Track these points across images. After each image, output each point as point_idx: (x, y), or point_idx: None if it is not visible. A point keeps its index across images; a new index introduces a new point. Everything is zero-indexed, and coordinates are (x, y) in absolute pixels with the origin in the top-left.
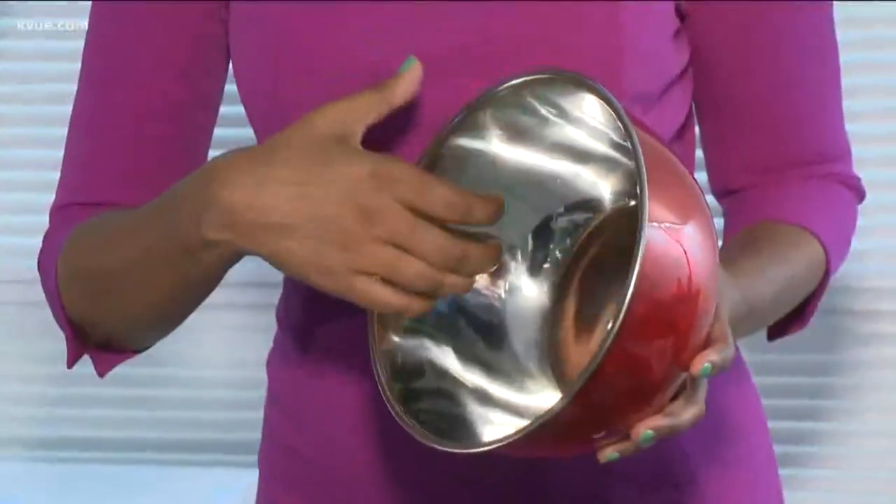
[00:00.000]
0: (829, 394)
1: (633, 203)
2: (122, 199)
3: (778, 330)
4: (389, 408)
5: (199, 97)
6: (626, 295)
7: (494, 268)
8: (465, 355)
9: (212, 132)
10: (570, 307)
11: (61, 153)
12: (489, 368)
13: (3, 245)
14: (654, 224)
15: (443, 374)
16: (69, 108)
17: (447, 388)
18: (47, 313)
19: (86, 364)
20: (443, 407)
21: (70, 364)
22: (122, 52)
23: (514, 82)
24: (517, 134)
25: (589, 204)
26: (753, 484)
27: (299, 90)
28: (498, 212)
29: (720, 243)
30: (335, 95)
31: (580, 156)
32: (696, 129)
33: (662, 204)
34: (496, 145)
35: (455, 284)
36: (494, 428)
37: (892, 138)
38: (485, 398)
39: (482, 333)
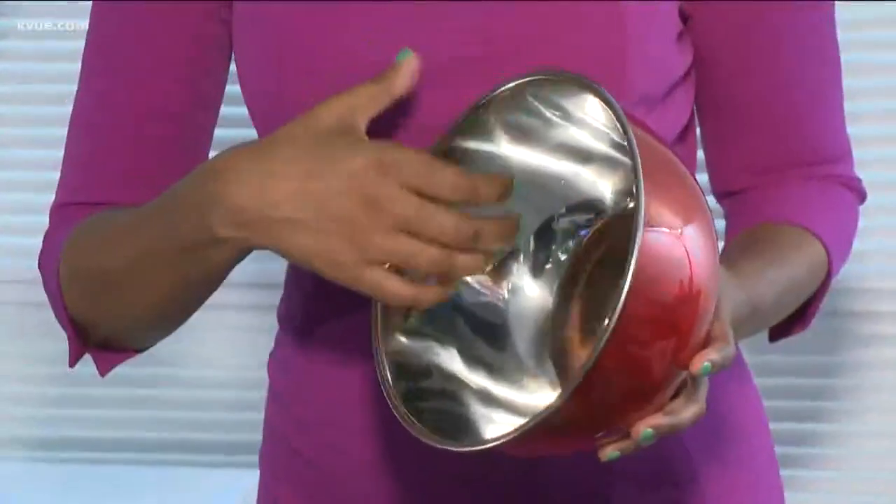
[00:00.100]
0: (830, 395)
1: (633, 204)
2: (122, 198)
3: (779, 331)
4: (391, 406)
5: (199, 97)
6: (621, 292)
7: (509, 247)
8: (469, 356)
9: (213, 132)
10: (574, 308)
11: (61, 153)
12: (492, 369)
13: (3, 245)
14: (655, 225)
15: (447, 374)
16: (69, 109)
17: (451, 389)
18: (47, 313)
19: (86, 364)
20: (446, 406)
21: (72, 363)
22: (122, 52)
23: (516, 83)
24: (520, 135)
25: (590, 204)
26: (755, 485)
27: (302, 90)
28: (505, 190)
29: (721, 245)
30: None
31: (583, 157)
32: (698, 130)
33: (663, 205)
34: (499, 146)
35: (467, 265)
36: (497, 427)
37: (893, 139)
38: (488, 398)
39: (485, 334)
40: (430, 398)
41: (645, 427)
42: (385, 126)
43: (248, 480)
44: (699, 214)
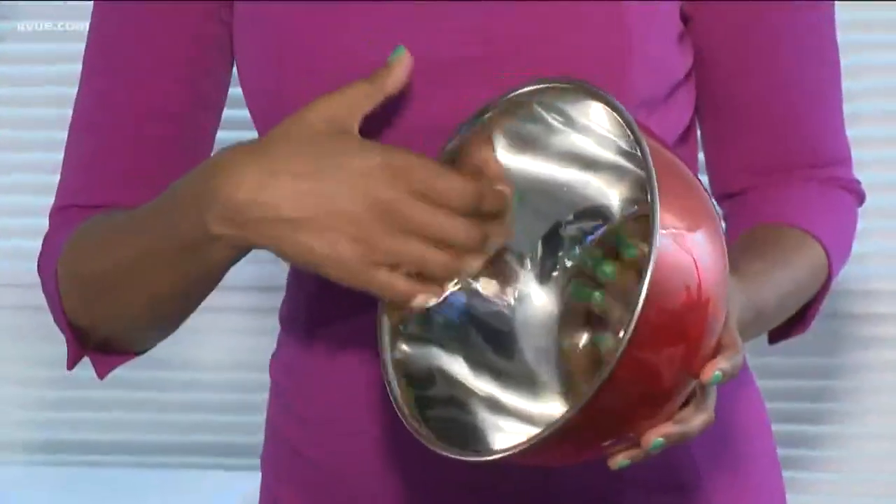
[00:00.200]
0: (830, 397)
1: (640, 210)
2: (123, 199)
3: (779, 333)
4: (399, 415)
5: (199, 97)
6: (637, 303)
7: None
8: (476, 363)
9: (214, 134)
10: (580, 314)
11: (59, 155)
12: (499, 376)
13: (4, 248)
14: (664, 232)
15: (453, 382)
16: (68, 111)
17: (458, 396)
18: (45, 317)
19: (85, 367)
20: (453, 414)
21: (70, 366)
22: (121, 52)
23: (521, 91)
24: (524, 142)
25: (598, 211)
26: (758, 487)
27: (302, 90)
28: (508, 201)
29: None
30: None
31: (588, 163)
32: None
33: (671, 211)
34: (503, 154)
35: (472, 267)
36: (505, 435)
37: (891, 141)
38: (495, 406)
39: (492, 342)
40: (436, 406)
41: (655, 436)
42: (384, 125)
43: (249, 482)
44: (707, 220)
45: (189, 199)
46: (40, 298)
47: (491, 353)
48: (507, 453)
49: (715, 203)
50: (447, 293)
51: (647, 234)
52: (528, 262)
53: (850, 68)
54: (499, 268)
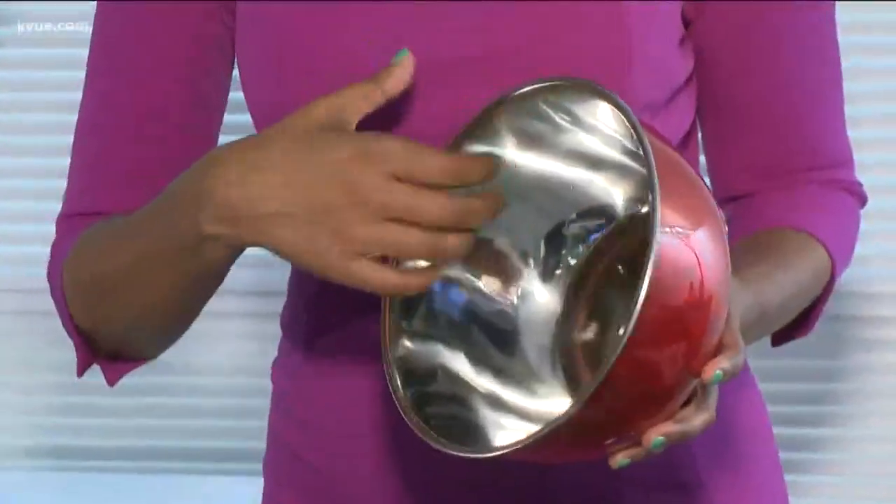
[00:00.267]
0: (832, 399)
1: (645, 210)
2: (126, 205)
3: (782, 336)
4: (401, 412)
5: (200, 98)
6: (637, 300)
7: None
8: (478, 360)
9: (216, 137)
10: (583, 312)
11: (60, 159)
12: (501, 373)
13: (7, 254)
14: (666, 230)
15: (455, 378)
16: (68, 114)
17: (459, 393)
18: (49, 322)
19: (90, 373)
20: (454, 411)
21: (80, 372)
22: (123, 54)
23: (527, 89)
24: (530, 140)
25: (602, 210)
26: (759, 488)
27: (302, 90)
28: (490, 169)
29: None
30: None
31: (593, 163)
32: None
33: (674, 210)
34: (508, 151)
35: (457, 245)
36: (506, 433)
37: (893, 143)
38: (497, 403)
39: (494, 339)
40: (437, 403)
41: (656, 435)
42: (385, 125)
43: (252, 487)
44: (710, 219)
45: (183, 198)
46: (45, 303)
47: (493, 350)
48: (507, 450)
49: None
50: (434, 279)
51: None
52: (531, 261)
53: (850, 70)
54: (502, 266)
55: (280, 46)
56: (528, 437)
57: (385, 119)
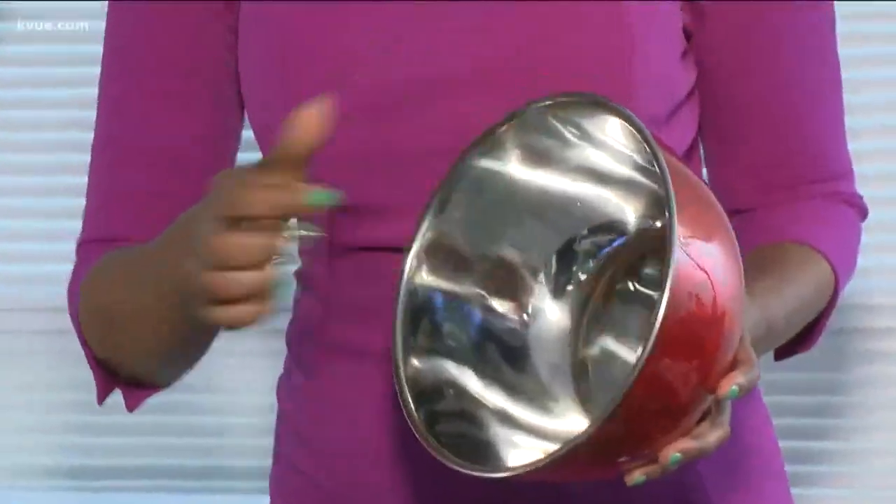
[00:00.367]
0: (835, 412)
1: (656, 224)
2: (144, 231)
3: (785, 350)
4: (415, 432)
5: (216, 119)
6: (656, 318)
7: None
8: (487, 376)
9: (234, 158)
10: (594, 328)
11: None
12: (512, 391)
13: (24, 273)
14: (683, 248)
15: (463, 394)
16: (68, 115)
17: (468, 409)
18: (68, 341)
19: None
20: (463, 429)
21: (100, 400)
22: (135, 75)
23: (538, 105)
24: (538, 156)
25: (613, 226)
26: (766, 502)
27: (302, 91)
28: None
29: None
30: (339, 96)
31: (603, 178)
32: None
33: (687, 225)
34: (516, 167)
35: (270, 277)
36: (519, 451)
37: (893, 155)
38: (507, 420)
39: (506, 357)
40: (445, 420)
41: (673, 451)
42: (388, 125)
43: None
44: (722, 234)
45: (176, 244)
46: (63, 322)
47: (505, 367)
48: (525, 469)
49: None
50: (262, 311)
51: (663, 249)
52: (541, 277)
53: (850, 82)
54: (512, 283)
55: (280, 46)
56: (547, 457)
57: (389, 119)
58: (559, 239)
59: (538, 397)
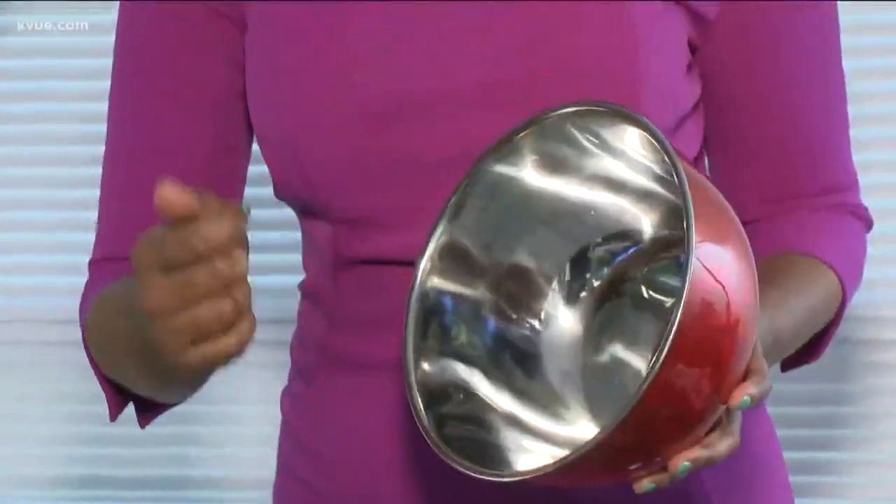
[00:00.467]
0: (841, 423)
1: (672, 234)
2: None
3: (792, 361)
4: (426, 437)
5: (225, 138)
6: (671, 326)
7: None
8: (497, 380)
9: (244, 178)
10: (605, 335)
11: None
12: (523, 395)
13: (33, 285)
14: (699, 256)
15: (471, 396)
16: (67, 128)
17: (476, 412)
18: (80, 352)
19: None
20: (469, 432)
21: (112, 418)
22: (145, 96)
23: (557, 112)
24: (555, 163)
25: (628, 235)
26: None
27: (299, 91)
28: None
29: None
30: (339, 97)
31: (619, 187)
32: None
33: (703, 234)
34: (532, 174)
35: (244, 297)
36: (530, 456)
37: None
38: (517, 424)
39: (518, 362)
40: (452, 423)
41: (683, 460)
42: (391, 135)
43: None
44: (737, 243)
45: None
46: (73, 334)
47: (517, 373)
48: (535, 474)
49: None
50: (230, 347)
51: (678, 257)
52: (555, 284)
53: (854, 94)
54: (526, 290)
55: (281, 47)
56: (558, 462)
57: (389, 133)
58: (573, 246)
59: (549, 403)
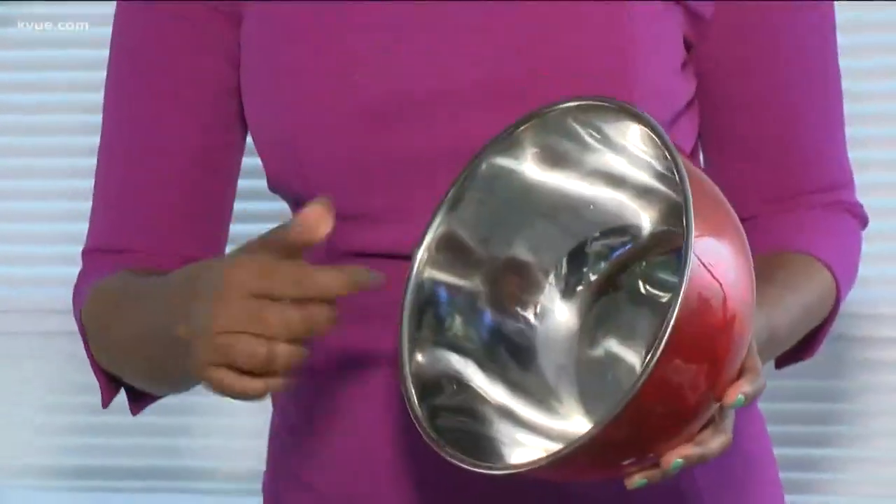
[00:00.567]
0: (835, 419)
1: (671, 230)
2: (146, 245)
3: (787, 358)
4: (417, 426)
5: (219, 135)
6: (668, 322)
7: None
8: (491, 372)
9: (236, 176)
10: (600, 329)
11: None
12: (517, 388)
13: (27, 275)
14: (698, 254)
15: (465, 387)
16: (68, 118)
17: (469, 404)
18: (74, 342)
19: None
20: (462, 424)
21: (105, 404)
22: (140, 94)
23: (560, 107)
24: (556, 158)
25: (626, 230)
26: None
27: (298, 92)
28: (345, 284)
29: None
30: (339, 96)
31: (619, 183)
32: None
33: (700, 230)
34: (531, 167)
35: (289, 353)
36: (524, 450)
37: (894, 165)
38: (511, 417)
39: (513, 355)
40: (445, 415)
41: (676, 457)
42: (390, 132)
43: None
44: (735, 239)
45: (167, 302)
46: (68, 324)
47: (512, 366)
48: (528, 467)
49: None
50: (273, 385)
51: (676, 253)
52: (552, 278)
53: (853, 92)
54: (524, 283)
55: (280, 47)
56: (550, 455)
57: (388, 130)
58: (571, 240)
59: (544, 397)
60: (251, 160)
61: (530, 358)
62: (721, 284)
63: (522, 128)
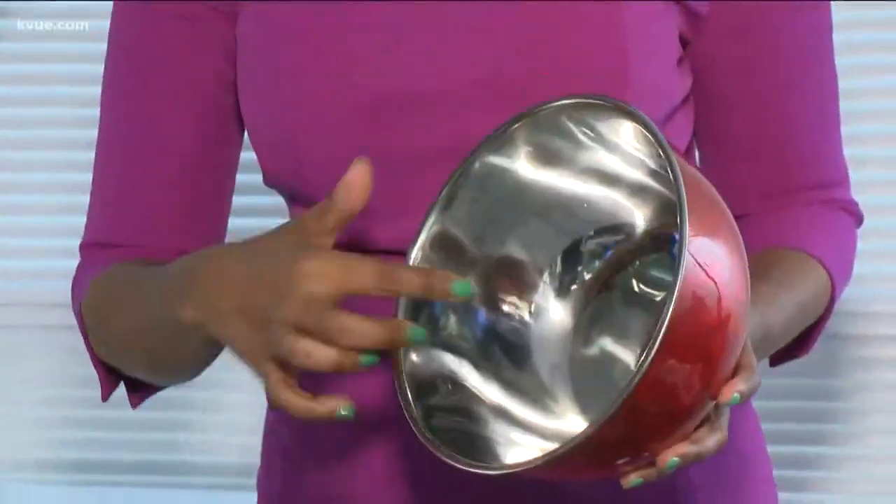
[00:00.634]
0: (831, 417)
1: (665, 228)
2: (144, 239)
3: (781, 356)
4: (413, 426)
5: (218, 131)
6: (662, 322)
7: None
8: (486, 371)
9: (234, 171)
10: (594, 328)
11: (76, 157)
12: (511, 387)
13: (27, 268)
14: (692, 253)
15: (460, 387)
16: (68, 108)
17: (464, 404)
18: (73, 336)
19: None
20: (457, 424)
21: (104, 397)
22: (143, 90)
23: (553, 105)
24: (549, 156)
25: (620, 228)
26: None
27: (300, 92)
28: (433, 284)
29: None
30: (339, 96)
31: (613, 181)
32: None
33: (695, 229)
34: (525, 166)
35: (355, 365)
36: (519, 449)
37: (891, 163)
38: (506, 417)
39: (507, 354)
40: (440, 415)
41: (672, 455)
42: (389, 130)
43: None
44: (729, 238)
45: (175, 283)
46: (67, 317)
47: (506, 365)
48: (524, 467)
49: None
50: (337, 407)
51: (669, 251)
52: (546, 276)
53: (849, 91)
54: (518, 282)
55: (280, 47)
56: (546, 455)
57: (387, 128)
58: (565, 239)
59: (539, 396)
60: (249, 155)
61: (525, 357)
62: (716, 283)
63: (515, 126)
